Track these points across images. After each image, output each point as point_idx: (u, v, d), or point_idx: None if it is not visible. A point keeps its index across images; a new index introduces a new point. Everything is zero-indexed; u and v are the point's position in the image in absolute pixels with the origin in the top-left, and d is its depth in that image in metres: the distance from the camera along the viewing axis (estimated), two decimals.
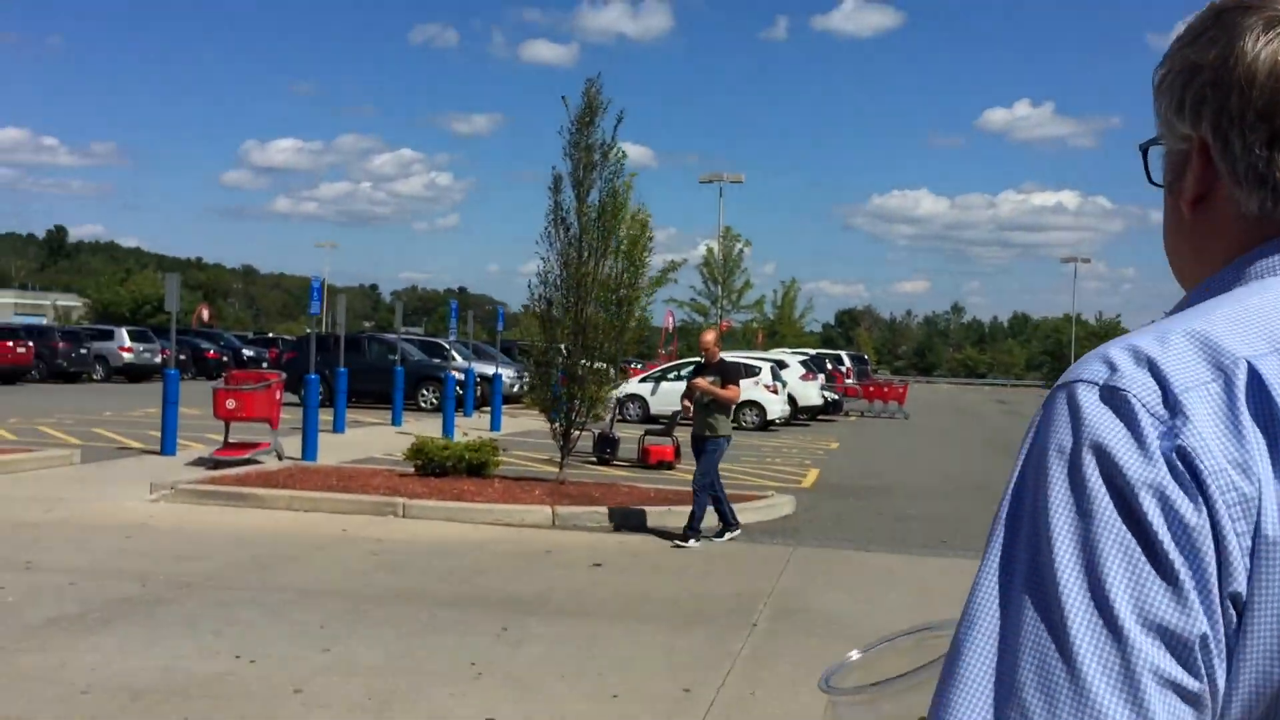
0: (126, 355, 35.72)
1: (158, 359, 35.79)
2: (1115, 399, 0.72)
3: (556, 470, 12.28)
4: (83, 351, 34.29)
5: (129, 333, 37.07)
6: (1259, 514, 0.69)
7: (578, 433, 12.36)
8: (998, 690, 0.69)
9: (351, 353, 22.70)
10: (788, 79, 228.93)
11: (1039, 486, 0.73)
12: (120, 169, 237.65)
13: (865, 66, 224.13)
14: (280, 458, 13.92)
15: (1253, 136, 0.82)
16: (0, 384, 30.41)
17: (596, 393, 12.02)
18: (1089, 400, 0.73)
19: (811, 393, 28.48)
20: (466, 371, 24.99)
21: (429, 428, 20.70)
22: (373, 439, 18.29)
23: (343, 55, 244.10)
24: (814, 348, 45.56)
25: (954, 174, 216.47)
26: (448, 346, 29.65)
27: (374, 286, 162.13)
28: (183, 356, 36.46)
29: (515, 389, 27.18)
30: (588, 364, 11.87)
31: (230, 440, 13.92)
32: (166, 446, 14.59)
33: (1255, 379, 0.72)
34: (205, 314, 51.94)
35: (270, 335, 55.41)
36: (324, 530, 9.69)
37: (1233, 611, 0.69)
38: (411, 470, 12.17)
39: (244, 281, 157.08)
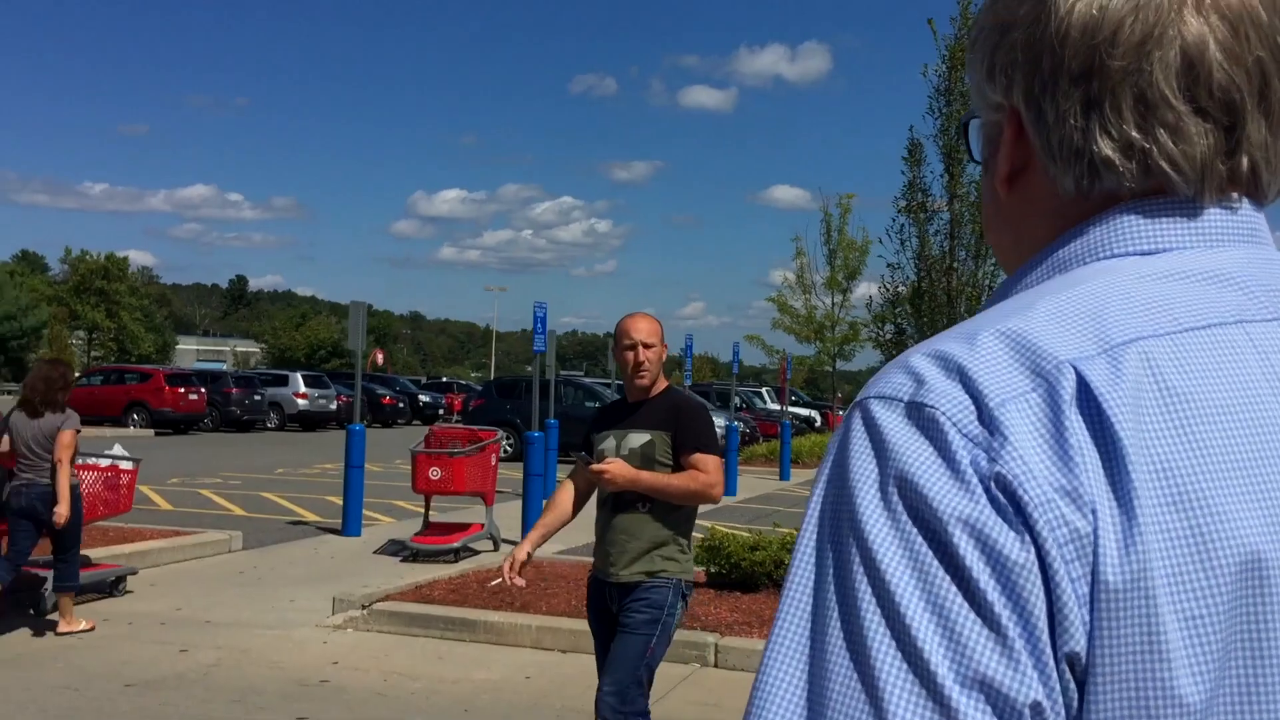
0: (301, 402, 33.23)
1: (333, 406, 33.38)
2: (922, 418, 0.59)
3: None
4: (257, 398, 31.99)
5: (304, 378, 34.68)
6: (1095, 555, 0.55)
7: None
8: None
9: (542, 400, 19.12)
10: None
11: (839, 529, 0.59)
12: (297, 222, 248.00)
13: None
14: (497, 545, 10.35)
15: (1066, 103, 0.68)
16: (173, 434, 28.34)
17: None
18: (891, 421, 0.59)
19: None
20: None
21: None
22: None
23: (505, 107, 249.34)
24: None
25: None
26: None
27: None
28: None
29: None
30: None
31: (431, 519, 10.45)
32: (349, 525, 11.24)
33: (1083, 387, 0.58)
34: (380, 358, 50.08)
35: (444, 379, 53.18)
36: None
37: (1070, 677, 0.54)
38: (699, 575, 8.32)
39: (411, 327, 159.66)
